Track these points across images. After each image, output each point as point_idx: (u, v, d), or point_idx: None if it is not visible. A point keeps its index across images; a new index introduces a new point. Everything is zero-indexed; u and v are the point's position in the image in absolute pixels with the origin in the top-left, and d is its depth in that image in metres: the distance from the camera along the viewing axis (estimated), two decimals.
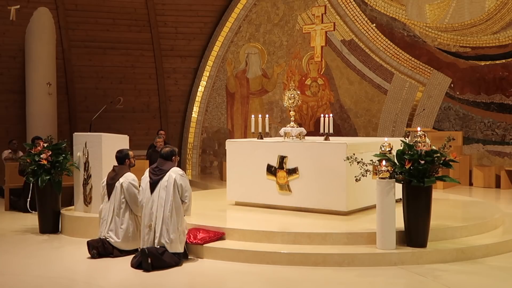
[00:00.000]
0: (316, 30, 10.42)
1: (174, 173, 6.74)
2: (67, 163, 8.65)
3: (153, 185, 6.73)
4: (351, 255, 6.51)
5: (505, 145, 12.88)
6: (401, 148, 6.83)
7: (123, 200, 7.21)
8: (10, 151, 12.70)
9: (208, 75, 16.33)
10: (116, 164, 7.51)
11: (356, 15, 14.65)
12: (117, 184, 7.25)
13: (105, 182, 7.45)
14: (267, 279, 6.13)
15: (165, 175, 6.71)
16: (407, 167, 6.62)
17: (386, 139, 7.29)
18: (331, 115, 9.42)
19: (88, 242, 7.11)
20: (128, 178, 7.29)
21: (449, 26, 13.57)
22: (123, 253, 7.11)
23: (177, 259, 6.59)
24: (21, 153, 12.32)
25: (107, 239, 7.15)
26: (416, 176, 6.61)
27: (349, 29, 14.72)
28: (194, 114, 16.41)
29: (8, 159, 12.36)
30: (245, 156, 8.94)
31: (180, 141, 16.38)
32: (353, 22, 14.67)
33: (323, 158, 8.17)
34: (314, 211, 8.18)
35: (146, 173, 6.91)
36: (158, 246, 6.54)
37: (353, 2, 14.67)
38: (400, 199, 6.92)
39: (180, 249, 6.64)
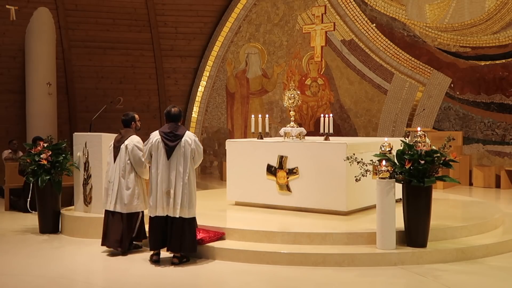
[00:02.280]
0: (316, 30, 10.43)
1: (189, 138, 6.77)
2: (67, 163, 8.65)
3: (169, 152, 6.72)
4: (351, 255, 6.51)
5: (505, 145, 12.88)
6: (401, 148, 6.83)
7: (128, 161, 7.28)
8: (10, 151, 12.71)
9: (208, 75, 16.33)
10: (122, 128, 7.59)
11: (356, 15, 14.65)
12: (122, 146, 7.31)
13: (112, 146, 7.51)
14: (267, 279, 6.13)
15: (181, 140, 6.74)
16: (407, 167, 6.62)
17: (386, 139, 7.28)
18: (331, 115, 9.41)
19: (108, 246, 7.26)
20: (133, 140, 7.35)
21: (449, 26, 13.57)
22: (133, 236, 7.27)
23: (194, 231, 6.74)
24: (21, 153, 12.33)
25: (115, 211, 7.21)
26: (416, 176, 6.60)
27: (349, 29, 14.72)
28: (194, 114, 16.41)
29: (8, 159, 12.36)
30: (245, 156, 8.94)
31: None
32: (353, 22, 14.67)
33: (323, 158, 8.17)
34: (314, 211, 8.18)
35: (157, 133, 6.86)
36: (177, 216, 6.63)
37: (353, 2, 14.67)
38: (400, 199, 6.92)
39: (194, 214, 6.75)
